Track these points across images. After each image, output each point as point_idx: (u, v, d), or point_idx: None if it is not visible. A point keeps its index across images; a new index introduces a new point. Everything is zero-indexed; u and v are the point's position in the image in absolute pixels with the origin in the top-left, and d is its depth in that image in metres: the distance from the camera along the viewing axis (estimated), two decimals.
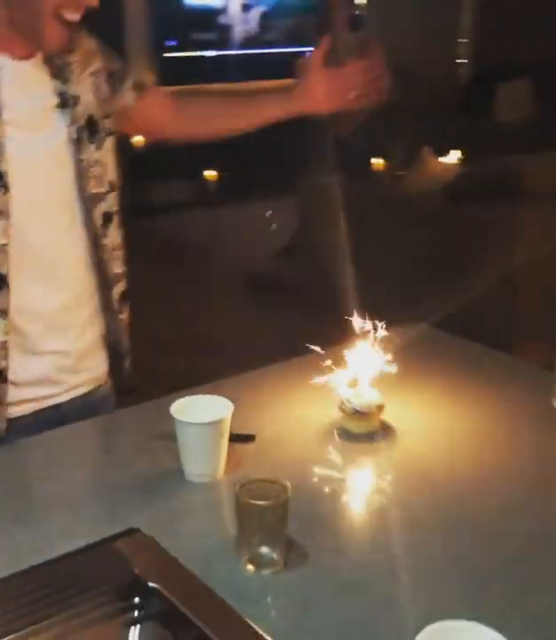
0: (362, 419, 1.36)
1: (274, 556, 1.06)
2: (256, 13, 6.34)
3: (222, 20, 5.87)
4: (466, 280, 3.33)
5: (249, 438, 1.35)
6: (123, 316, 1.59)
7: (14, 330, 1.41)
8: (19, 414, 1.45)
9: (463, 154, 5.55)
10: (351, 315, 1.45)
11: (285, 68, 6.12)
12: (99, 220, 1.49)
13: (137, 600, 0.99)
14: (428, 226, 3.92)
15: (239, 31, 6.16)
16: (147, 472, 1.27)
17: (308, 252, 4.60)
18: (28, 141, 1.39)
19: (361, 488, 1.31)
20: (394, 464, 1.32)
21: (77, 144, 1.44)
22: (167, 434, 1.27)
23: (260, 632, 0.93)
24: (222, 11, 6.00)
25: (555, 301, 3.25)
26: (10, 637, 0.91)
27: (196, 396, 1.29)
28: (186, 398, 1.27)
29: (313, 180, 5.01)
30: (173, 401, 1.26)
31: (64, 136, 1.43)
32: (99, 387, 1.58)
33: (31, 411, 1.46)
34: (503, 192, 3.96)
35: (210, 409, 1.25)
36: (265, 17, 6.40)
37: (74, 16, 1.35)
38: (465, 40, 7.68)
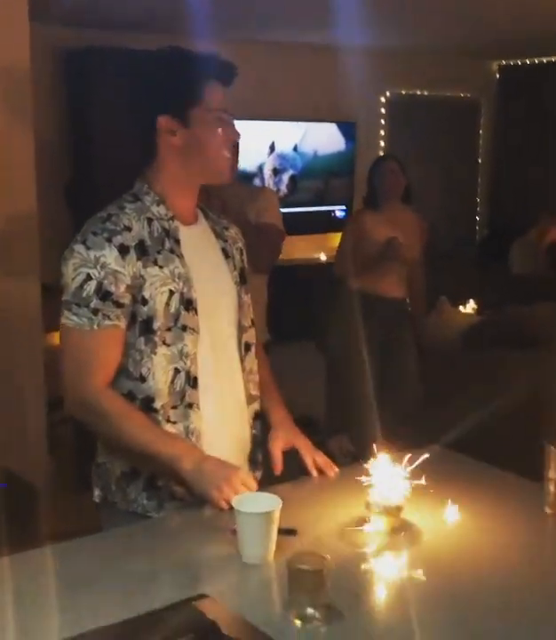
0: (385, 516, 1.67)
1: (316, 614, 1.36)
2: (286, 177, 6.93)
3: (256, 182, 6.44)
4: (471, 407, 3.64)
5: (292, 532, 1.66)
6: (256, 432, 1.99)
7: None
8: None
9: (479, 304, 5.94)
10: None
11: (313, 225, 6.66)
12: (242, 347, 1.93)
13: None
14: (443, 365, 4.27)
15: None
16: (212, 554, 1.60)
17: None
18: (207, 279, 1.86)
19: (384, 569, 1.61)
20: (411, 553, 1.63)
21: (239, 286, 1.93)
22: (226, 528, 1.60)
23: None
24: (256, 174, 6.60)
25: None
26: None
27: (252, 493, 1.62)
28: (244, 494, 1.60)
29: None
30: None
31: (230, 279, 1.92)
32: None
33: None
34: (515, 339, 4.31)
35: (263, 503, 1.57)
36: (293, 180, 6.99)
37: (230, 154, 1.85)
38: (482, 199, 8.22)
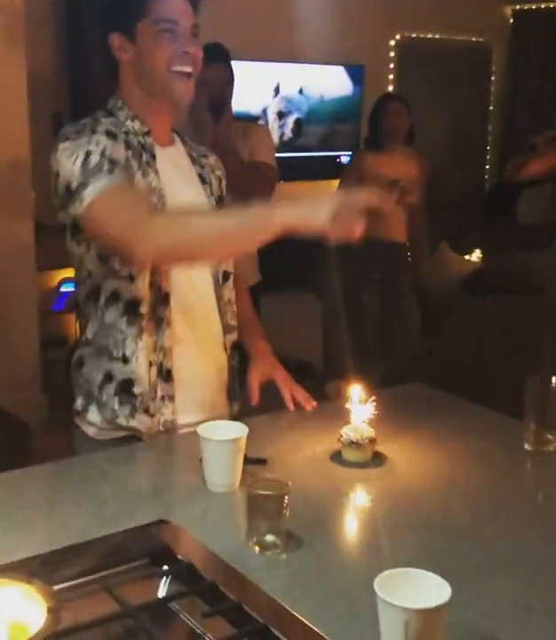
0: (357, 449, 1.63)
1: (277, 541, 1.32)
2: (290, 120, 6.80)
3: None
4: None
5: (261, 461, 1.62)
6: (234, 363, 1.93)
7: None
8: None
9: (484, 252, 5.84)
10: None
11: (318, 170, 6.50)
12: (220, 276, 1.87)
13: (166, 567, 1.26)
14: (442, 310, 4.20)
15: (275, 137, 6.61)
16: (179, 482, 1.57)
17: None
18: (181, 200, 1.79)
19: (351, 500, 1.58)
20: (381, 485, 1.59)
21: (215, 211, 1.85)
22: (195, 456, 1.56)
23: (257, 585, 1.19)
24: (259, 117, 6.47)
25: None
26: (78, 581, 1.20)
27: (218, 422, 1.57)
28: (211, 423, 1.56)
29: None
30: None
31: (206, 204, 1.85)
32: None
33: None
34: (515, 285, 4.23)
35: (229, 431, 1.53)
36: (298, 124, 6.85)
37: (185, 68, 1.74)
38: (492, 148, 8.08)
